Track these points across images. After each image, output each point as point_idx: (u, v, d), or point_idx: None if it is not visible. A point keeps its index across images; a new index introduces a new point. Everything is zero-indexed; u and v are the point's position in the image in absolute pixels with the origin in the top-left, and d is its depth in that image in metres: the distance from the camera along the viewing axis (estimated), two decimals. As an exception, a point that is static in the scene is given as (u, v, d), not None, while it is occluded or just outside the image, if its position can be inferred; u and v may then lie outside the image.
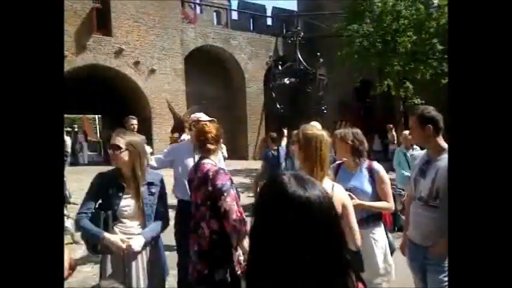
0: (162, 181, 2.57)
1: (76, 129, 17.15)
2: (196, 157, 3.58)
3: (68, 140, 14.36)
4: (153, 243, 2.51)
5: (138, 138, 2.53)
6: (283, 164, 8.14)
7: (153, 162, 3.64)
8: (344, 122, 10.39)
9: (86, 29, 13.96)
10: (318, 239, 0.92)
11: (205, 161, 2.50)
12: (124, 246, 2.29)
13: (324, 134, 2.23)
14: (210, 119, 3.57)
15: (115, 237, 2.33)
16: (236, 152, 16.54)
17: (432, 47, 12.71)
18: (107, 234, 2.33)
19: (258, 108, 19.01)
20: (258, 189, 8.59)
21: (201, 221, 2.41)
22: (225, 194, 2.33)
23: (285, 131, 9.30)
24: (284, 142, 9.02)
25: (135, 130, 5.76)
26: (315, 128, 2.27)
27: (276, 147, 8.32)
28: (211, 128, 2.55)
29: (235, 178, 3.39)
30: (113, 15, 14.48)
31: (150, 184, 2.47)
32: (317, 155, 2.14)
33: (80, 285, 4.09)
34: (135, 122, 5.87)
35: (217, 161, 3.48)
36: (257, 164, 12.78)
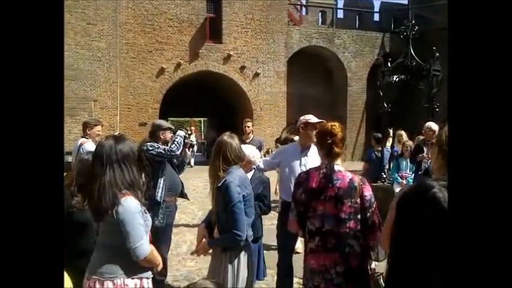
0: (226, 188, 2.35)
1: (189, 132, 18.54)
2: (304, 159, 3.52)
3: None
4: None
5: (228, 138, 2.52)
6: (387, 166, 7.82)
7: (260, 164, 3.68)
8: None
9: (199, 37, 15.10)
10: None
11: (339, 167, 2.27)
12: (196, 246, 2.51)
13: None
14: (319, 120, 3.47)
15: (201, 234, 2.59)
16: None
17: None
18: (200, 227, 2.58)
19: (359, 108, 18.43)
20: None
21: (350, 237, 2.18)
22: (374, 206, 2.20)
23: (391, 131, 8.88)
24: (389, 143, 8.63)
25: (247, 132, 6.35)
26: None
27: (380, 148, 8.02)
28: (339, 130, 2.32)
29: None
30: (224, 23, 15.39)
31: (219, 189, 2.39)
32: None
33: (184, 279, 4.42)
34: (248, 124, 6.43)
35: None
36: (356, 165, 12.37)
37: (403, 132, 7.64)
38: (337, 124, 2.37)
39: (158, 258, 2.13)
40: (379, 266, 2.35)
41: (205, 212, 7.39)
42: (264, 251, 2.71)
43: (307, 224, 2.29)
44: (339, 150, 2.28)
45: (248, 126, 6.44)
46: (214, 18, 15.36)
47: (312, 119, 3.54)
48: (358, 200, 2.17)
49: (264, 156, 7.10)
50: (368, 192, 2.20)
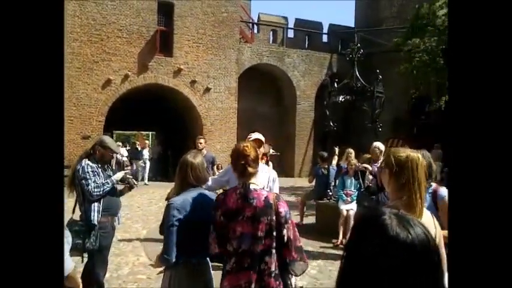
0: (166, 209, 2.46)
1: (138, 148, 17.76)
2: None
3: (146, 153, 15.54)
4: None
5: (190, 158, 2.56)
6: (333, 183, 8.01)
7: (209, 182, 3.64)
8: (396, 140, 10.00)
9: (149, 50, 14.81)
10: (418, 283, 0.87)
11: (254, 186, 2.30)
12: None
13: (420, 156, 1.95)
14: (256, 137, 3.48)
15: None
16: (283, 169, 16.48)
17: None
18: None
19: (307, 126, 18.92)
20: (305, 208, 8.51)
21: (265, 255, 2.21)
22: (289, 222, 2.24)
23: (337, 150, 9.15)
24: (335, 161, 8.87)
25: (200, 148, 6.55)
26: (407, 149, 2.01)
27: (326, 166, 8.23)
28: (251, 150, 2.37)
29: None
30: (175, 37, 15.22)
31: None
32: (414, 180, 1.86)
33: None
34: (200, 140, 6.77)
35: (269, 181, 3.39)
36: (303, 182, 12.62)
37: (351, 150, 7.87)
38: (249, 145, 2.41)
39: (79, 281, 2.12)
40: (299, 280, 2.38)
41: (149, 231, 7.16)
42: (212, 271, 2.66)
43: (227, 246, 2.29)
44: (252, 170, 2.31)
45: (201, 143, 6.71)
46: (165, 32, 15.17)
47: (253, 136, 3.55)
48: (274, 217, 2.21)
49: (216, 170, 7.10)
50: (283, 209, 2.23)
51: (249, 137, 3.66)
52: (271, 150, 8.71)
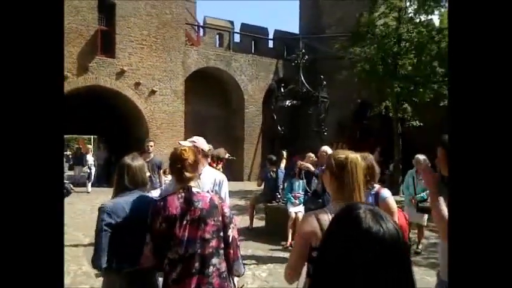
0: (99, 210, 2.36)
1: (82, 151, 16.75)
2: (198, 182, 3.45)
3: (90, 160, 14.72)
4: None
5: (128, 160, 2.51)
6: (281, 186, 8.11)
7: (159, 192, 3.46)
8: (340, 143, 10.39)
9: (89, 50, 14.13)
10: (389, 276, 0.90)
11: (196, 189, 2.28)
12: None
13: (358, 157, 2.02)
14: (190, 144, 3.44)
15: None
16: (232, 173, 16.46)
17: (433, 70, 12.83)
18: None
19: (255, 130, 19.06)
20: (254, 211, 8.53)
21: (212, 257, 2.17)
22: (233, 221, 2.29)
23: (284, 153, 9.29)
24: (283, 164, 8.99)
25: (149, 151, 6.65)
26: (346, 151, 2.07)
27: (274, 169, 8.31)
28: (189, 154, 2.32)
29: (230, 200, 3.31)
30: (118, 37, 14.66)
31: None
32: (354, 180, 1.92)
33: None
34: (149, 144, 6.80)
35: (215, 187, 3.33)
36: (252, 186, 12.67)
37: (312, 154, 8.01)
38: (187, 149, 2.37)
39: None
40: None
41: (92, 239, 6.75)
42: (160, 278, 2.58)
43: (168, 255, 2.19)
44: (189, 175, 2.28)
45: (151, 146, 6.74)
46: (107, 31, 14.56)
47: (183, 143, 3.45)
48: (220, 218, 2.23)
49: (163, 175, 6.91)
50: (227, 209, 2.29)
51: (190, 140, 3.56)
52: (227, 155, 8.61)
